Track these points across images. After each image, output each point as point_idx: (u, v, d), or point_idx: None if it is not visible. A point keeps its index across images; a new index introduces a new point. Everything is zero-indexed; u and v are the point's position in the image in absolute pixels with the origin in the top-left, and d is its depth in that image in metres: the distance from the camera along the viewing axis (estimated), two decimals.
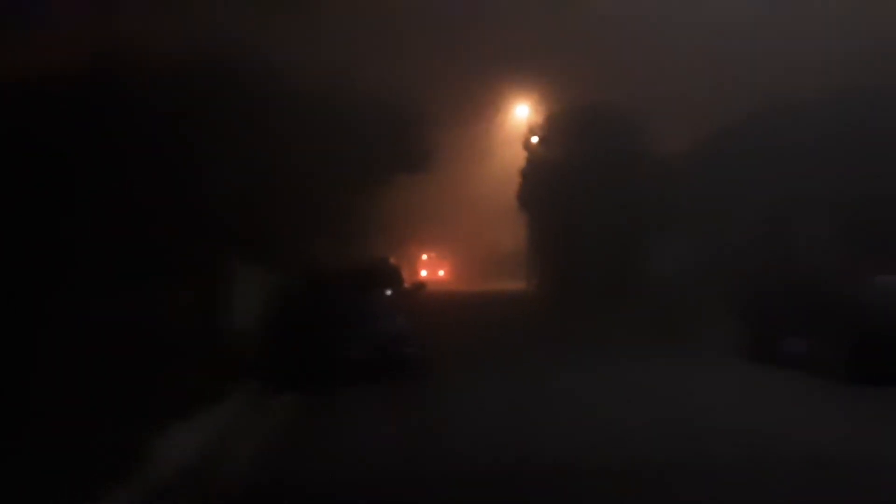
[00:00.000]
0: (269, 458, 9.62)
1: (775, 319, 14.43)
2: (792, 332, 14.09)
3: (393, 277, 16.51)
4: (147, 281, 12.45)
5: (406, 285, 17.13)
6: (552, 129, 29.65)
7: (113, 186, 12.41)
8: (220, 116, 14.86)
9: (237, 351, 14.41)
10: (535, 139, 31.54)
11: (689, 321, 17.80)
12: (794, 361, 13.54)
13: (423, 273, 55.67)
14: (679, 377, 13.37)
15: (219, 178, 14.76)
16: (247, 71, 15.95)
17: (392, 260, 18.46)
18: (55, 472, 7.53)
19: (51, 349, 9.93)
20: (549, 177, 28.43)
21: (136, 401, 9.77)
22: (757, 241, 15.64)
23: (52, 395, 9.15)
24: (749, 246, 15.97)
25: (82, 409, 9.08)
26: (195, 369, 12.04)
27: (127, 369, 10.30)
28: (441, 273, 60.69)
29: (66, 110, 12.15)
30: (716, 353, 15.20)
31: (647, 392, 12.35)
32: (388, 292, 15.65)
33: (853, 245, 13.18)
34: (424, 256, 62.15)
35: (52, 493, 7.20)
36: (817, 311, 13.20)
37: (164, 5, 15.97)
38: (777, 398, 11.71)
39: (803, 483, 7.61)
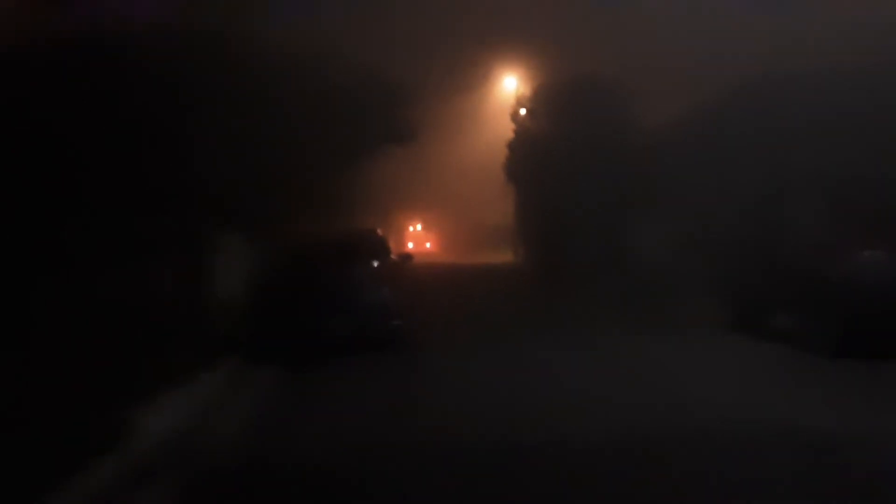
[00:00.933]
0: (253, 433, 9.57)
1: (762, 295, 14.43)
2: (779, 308, 14.10)
3: (380, 249, 16.37)
4: (129, 254, 12.38)
5: (393, 256, 16.99)
6: (540, 101, 29.56)
7: (94, 161, 12.30)
8: (204, 89, 14.74)
9: (221, 324, 14.36)
10: (523, 111, 31.45)
11: (676, 296, 17.81)
12: (780, 337, 13.55)
13: (410, 245, 55.71)
14: (666, 352, 13.36)
15: (202, 151, 14.65)
16: (232, 43, 15.81)
17: (379, 231, 18.30)
18: (40, 448, 7.50)
19: (33, 325, 9.87)
20: (537, 149, 28.36)
21: (119, 375, 9.73)
22: (745, 216, 15.59)
23: (36, 371, 9.10)
24: (737, 221, 15.92)
25: (66, 384, 9.04)
26: (178, 343, 12.00)
27: (110, 344, 10.24)
28: (428, 245, 60.76)
29: (40, 83, 12.02)
30: (703, 329, 15.20)
31: (634, 367, 12.34)
32: (375, 263, 15.53)
33: (840, 221, 13.14)
34: (412, 228, 62.20)
35: (37, 468, 7.16)
36: (804, 286, 13.18)
37: None
38: (764, 374, 11.71)
39: (790, 458, 7.61)
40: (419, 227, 63.57)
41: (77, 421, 8.16)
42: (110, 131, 12.71)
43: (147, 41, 14.04)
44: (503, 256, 38.69)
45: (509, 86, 37.43)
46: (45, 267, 10.69)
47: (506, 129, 32.81)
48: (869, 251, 12.45)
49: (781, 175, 15.51)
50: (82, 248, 11.31)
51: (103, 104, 12.88)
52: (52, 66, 12.49)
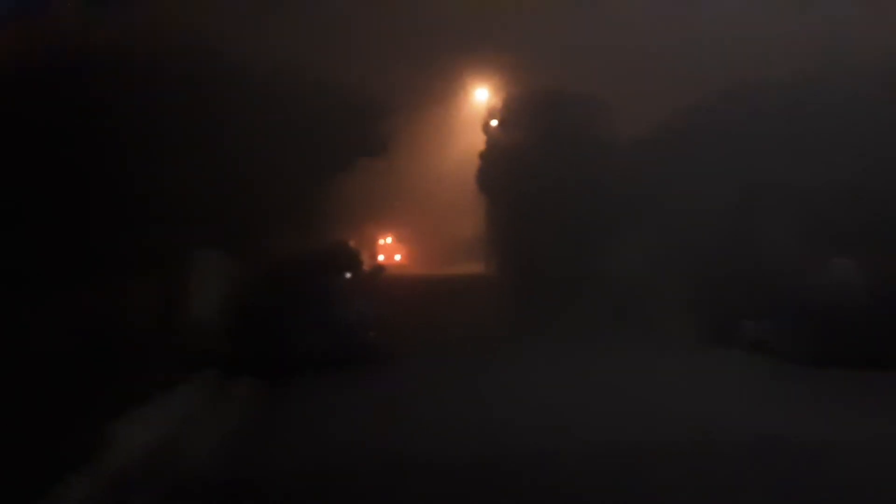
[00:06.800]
0: (230, 446, 9.54)
1: (737, 306, 14.49)
2: (750, 316, 14.18)
3: (352, 261, 16.35)
4: (107, 271, 12.31)
5: (365, 269, 16.96)
6: (512, 112, 29.53)
7: (71, 177, 12.25)
8: (177, 106, 14.70)
9: (197, 339, 14.28)
10: (494, 122, 31.41)
11: (648, 306, 17.85)
12: (751, 345, 13.63)
13: (381, 257, 55.53)
14: (638, 362, 13.40)
15: (178, 168, 14.62)
16: (203, 61, 15.78)
17: (351, 244, 18.27)
18: (18, 462, 7.44)
19: (10, 341, 9.81)
20: (509, 160, 28.32)
21: (97, 390, 9.68)
22: (716, 227, 15.67)
23: (13, 386, 9.04)
24: (709, 231, 16.00)
25: (43, 399, 8.99)
26: (156, 358, 11.94)
27: (88, 359, 10.19)
28: (398, 257, 60.55)
29: (17, 101, 11.97)
30: (676, 338, 15.23)
31: (609, 379, 12.37)
32: (348, 276, 15.50)
33: (812, 231, 13.25)
34: (382, 241, 62.02)
35: (15, 482, 7.11)
36: (777, 296, 13.27)
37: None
38: (735, 381, 11.78)
39: (768, 465, 7.66)
40: (389, 239, 63.38)
41: (55, 435, 8.11)
42: (85, 150, 12.67)
43: (118, 65, 14.03)
44: (475, 268, 38.62)
45: (481, 97, 37.38)
46: (23, 283, 10.62)
47: (477, 141, 32.75)
48: (838, 259, 12.55)
49: (753, 185, 15.59)
50: (61, 264, 11.25)
51: (77, 123, 12.84)
52: (21, 84, 12.45)
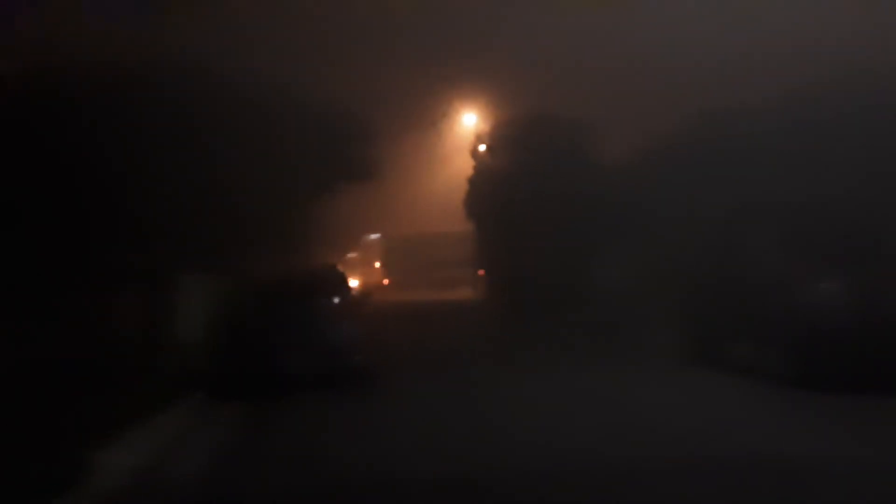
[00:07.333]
0: (216, 470, 9.47)
1: (721, 325, 14.50)
2: (737, 338, 14.17)
3: (340, 285, 16.31)
4: (91, 292, 12.27)
5: (353, 293, 16.95)
6: (500, 137, 29.69)
7: (55, 195, 12.22)
8: (163, 125, 14.72)
9: (184, 361, 14.25)
10: (482, 147, 31.56)
11: (636, 328, 17.88)
12: (739, 367, 13.62)
13: (368, 282, 55.42)
14: (627, 384, 13.38)
15: (164, 189, 14.62)
16: (189, 80, 15.81)
17: (339, 267, 18.27)
18: (2, 483, 7.39)
19: None
20: (497, 185, 28.46)
21: (81, 411, 9.62)
22: (703, 247, 15.71)
23: None
24: (696, 252, 16.04)
25: (27, 420, 8.93)
26: (142, 379, 11.89)
27: (73, 380, 10.14)
28: (385, 282, 60.44)
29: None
30: (664, 361, 15.23)
31: (597, 401, 12.33)
32: (336, 300, 15.47)
33: (798, 250, 13.26)
34: (369, 266, 61.91)
35: None
36: (762, 316, 13.27)
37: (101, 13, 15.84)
38: (722, 403, 11.75)
39: (754, 487, 7.63)
40: (377, 264, 63.31)
41: (39, 458, 8.05)
42: (74, 171, 12.66)
43: (104, 80, 14.03)
44: (463, 293, 38.67)
45: (468, 122, 37.58)
46: (4, 301, 10.57)
47: (465, 166, 32.91)
48: (828, 281, 12.54)
49: (739, 205, 15.61)
50: (44, 285, 11.21)
51: (62, 142, 12.83)
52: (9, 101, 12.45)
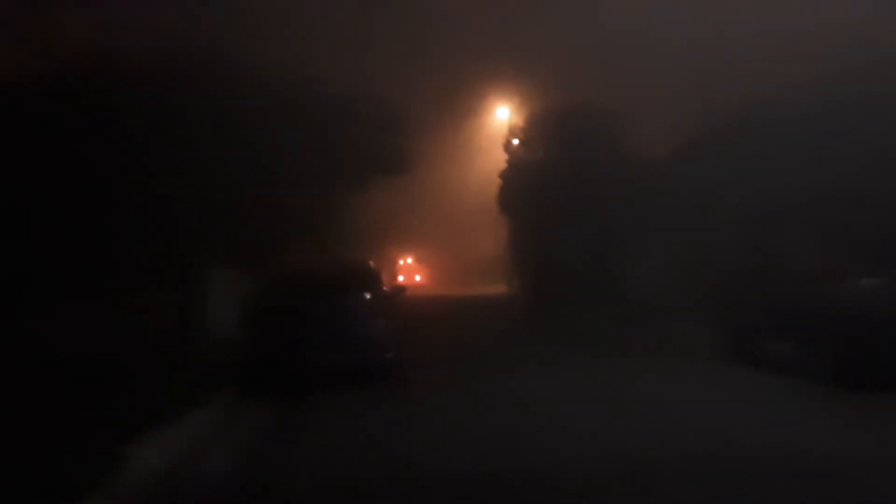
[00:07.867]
0: (247, 465, 9.42)
1: (758, 322, 14.33)
2: (774, 336, 13.99)
3: (373, 280, 16.19)
4: (123, 286, 12.27)
5: (386, 289, 16.83)
6: (533, 131, 29.57)
7: (86, 188, 12.23)
8: (197, 121, 14.72)
9: (215, 356, 14.23)
10: (515, 141, 31.43)
11: (671, 324, 17.72)
12: (776, 365, 13.44)
13: (401, 278, 55.46)
14: (662, 381, 13.24)
15: (196, 183, 14.61)
16: (222, 74, 15.80)
17: (371, 263, 18.16)
18: (32, 483, 7.37)
19: (28, 354, 9.76)
20: (530, 179, 28.34)
21: (113, 407, 9.61)
22: (740, 243, 15.53)
23: (29, 402, 8.98)
24: (732, 247, 15.86)
25: (59, 414, 8.92)
26: (172, 374, 11.87)
27: (104, 375, 10.12)
28: (418, 278, 60.49)
29: (32, 111, 11.96)
30: (698, 357, 15.09)
31: (629, 396, 12.20)
32: (368, 296, 15.35)
33: (837, 248, 13.06)
34: (402, 261, 62.02)
35: (31, 500, 7.05)
36: (800, 314, 13.09)
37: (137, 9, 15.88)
38: (758, 401, 11.59)
39: (784, 487, 7.51)
40: (410, 259, 63.43)
41: (70, 455, 8.04)
42: (100, 165, 12.65)
43: (135, 76, 14.03)
44: (496, 288, 38.58)
45: (502, 116, 37.47)
46: (38, 296, 10.57)
47: (498, 160, 32.79)
48: (867, 279, 12.35)
49: (777, 201, 15.42)
50: (75, 279, 11.20)
51: (93, 140, 12.84)
52: (37, 98, 12.47)
